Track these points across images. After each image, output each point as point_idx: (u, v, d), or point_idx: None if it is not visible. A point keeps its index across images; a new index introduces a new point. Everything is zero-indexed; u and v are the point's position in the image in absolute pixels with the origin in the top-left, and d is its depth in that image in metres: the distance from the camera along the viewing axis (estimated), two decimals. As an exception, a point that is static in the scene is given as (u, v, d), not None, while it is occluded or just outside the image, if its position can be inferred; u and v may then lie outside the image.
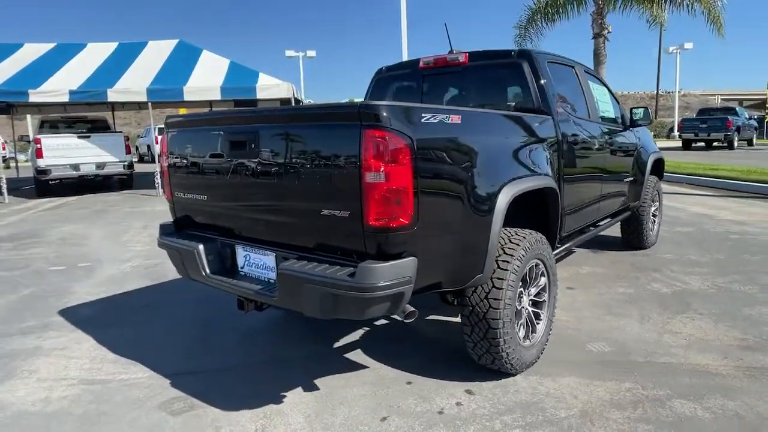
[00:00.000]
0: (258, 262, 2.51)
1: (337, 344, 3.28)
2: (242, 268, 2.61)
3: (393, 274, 1.97)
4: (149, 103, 11.16)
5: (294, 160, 2.19)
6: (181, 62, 12.12)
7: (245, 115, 2.61)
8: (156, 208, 9.59)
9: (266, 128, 2.32)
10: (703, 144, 22.17)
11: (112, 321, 3.84)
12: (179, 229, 2.94)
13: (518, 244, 2.56)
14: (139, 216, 8.81)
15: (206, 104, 13.62)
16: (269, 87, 11.28)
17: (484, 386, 2.66)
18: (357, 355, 3.10)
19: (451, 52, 3.73)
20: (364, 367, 2.94)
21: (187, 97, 11.09)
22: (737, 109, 23.28)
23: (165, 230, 2.93)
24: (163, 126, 3.14)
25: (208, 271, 2.61)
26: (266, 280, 2.49)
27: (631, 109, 4.65)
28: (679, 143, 23.29)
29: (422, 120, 2.08)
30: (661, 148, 6.52)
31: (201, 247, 2.62)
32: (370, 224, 1.98)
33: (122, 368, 3.01)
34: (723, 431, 2.22)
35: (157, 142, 27.83)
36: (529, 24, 16.36)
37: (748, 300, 3.79)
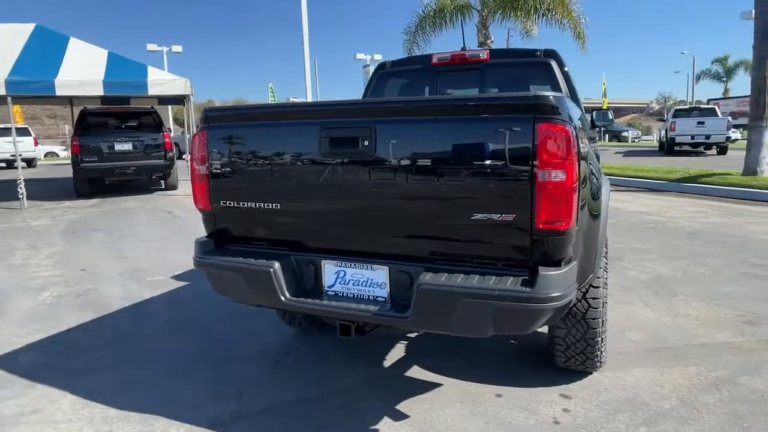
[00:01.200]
0: (359, 279, 2.14)
1: (386, 363, 2.97)
2: (331, 287, 2.21)
3: (566, 281, 1.81)
4: (8, 98, 9.25)
5: (434, 160, 1.90)
6: (45, 51, 10.25)
7: (357, 108, 2.17)
8: (32, 224, 7.98)
9: (388, 122, 1.97)
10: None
11: (77, 366, 3.03)
12: (220, 246, 2.42)
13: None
14: (14, 234, 7.24)
15: (88, 100, 11.75)
16: (163, 83, 10.09)
17: (573, 388, 2.60)
18: (418, 372, 2.84)
19: (463, 49, 3.63)
20: (436, 384, 2.70)
21: (59, 92, 9.45)
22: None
23: (205, 248, 2.38)
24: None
25: (287, 294, 2.17)
26: (371, 298, 2.13)
27: (592, 111, 4.99)
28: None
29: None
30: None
31: (277, 265, 2.16)
32: (540, 228, 1.79)
33: (144, 426, 2.38)
34: (801, 401, 2.44)
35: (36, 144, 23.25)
36: (418, 30, 16.96)
37: (713, 281, 4.29)
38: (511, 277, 1.84)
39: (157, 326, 3.64)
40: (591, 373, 2.72)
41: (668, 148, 19.18)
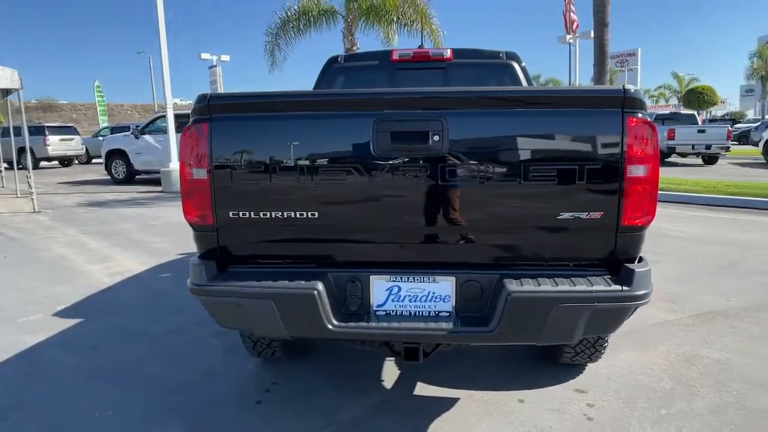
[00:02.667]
0: (417, 294, 1.87)
1: (386, 385, 2.70)
2: (381, 305, 1.89)
3: (650, 277, 1.79)
4: None
5: (515, 157, 1.74)
6: None
7: (425, 98, 1.84)
8: None
9: (462, 115, 1.75)
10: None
11: None
12: (222, 268, 1.94)
13: None
14: None
15: None
16: (-16, 73, 8.18)
17: (582, 382, 2.65)
18: (426, 389, 2.63)
19: (420, 47, 3.52)
20: (453, 399, 2.53)
21: None
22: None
23: (209, 272, 1.88)
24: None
25: (334, 320, 1.80)
26: (432, 314, 1.88)
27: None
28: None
29: None
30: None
31: (321, 286, 1.79)
32: (625, 224, 1.75)
33: None
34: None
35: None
36: (280, 31, 16.43)
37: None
38: (599, 277, 1.77)
39: (75, 380, 2.83)
40: (585, 365, 2.80)
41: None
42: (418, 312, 1.88)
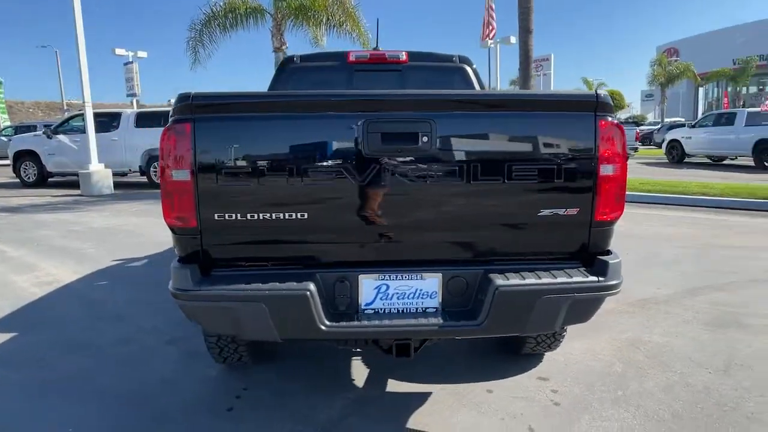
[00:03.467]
0: (405, 291, 1.90)
1: (358, 384, 2.71)
2: (369, 304, 1.90)
3: (620, 269, 1.94)
4: None
5: (498, 156, 1.82)
6: None
7: (415, 100, 1.86)
8: None
9: (450, 116, 1.80)
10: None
11: None
12: (205, 272, 1.86)
13: None
14: None
15: None
16: None
17: (543, 370, 2.80)
18: (399, 386, 2.67)
19: (376, 49, 3.56)
20: (426, 393, 2.58)
21: None
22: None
23: (194, 277, 1.79)
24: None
25: (326, 320, 1.79)
26: (420, 310, 1.92)
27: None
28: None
29: None
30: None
31: (313, 287, 1.77)
32: (598, 219, 1.89)
33: None
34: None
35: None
36: (205, 28, 15.80)
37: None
38: (575, 269, 1.90)
39: (25, 396, 2.59)
40: (543, 354, 2.97)
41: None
42: (406, 309, 1.92)
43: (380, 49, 3.57)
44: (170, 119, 1.81)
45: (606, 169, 1.86)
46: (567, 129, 1.85)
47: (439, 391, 2.61)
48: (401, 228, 1.90)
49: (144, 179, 12.55)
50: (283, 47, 16.05)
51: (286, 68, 3.42)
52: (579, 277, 1.85)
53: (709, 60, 44.43)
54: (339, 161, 1.80)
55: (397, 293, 1.91)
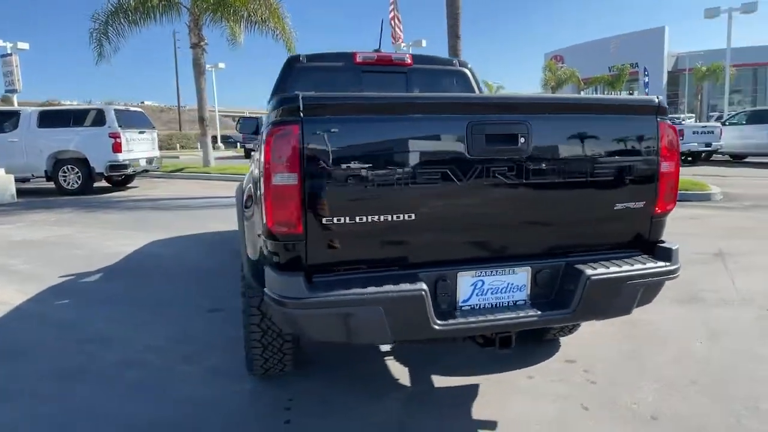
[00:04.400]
0: (497, 286, 1.97)
1: (402, 382, 2.74)
2: (466, 300, 1.95)
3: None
4: None
5: (583, 156, 1.95)
6: None
7: (513, 103, 1.92)
8: None
9: (543, 119, 1.89)
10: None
11: None
12: (309, 279, 1.80)
13: None
14: None
15: None
16: None
17: (567, 354, 3.01)
18: (443, 381, 2.74)
19: (377, 50, 3.58)
20: (474, 384, 2.68)
21: None
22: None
23: (306, 284, 1.72)
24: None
25: (436, 319, 1.82)
26: (511, 304, 2.00)
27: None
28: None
29: None
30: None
31: (425, 286, 1.79)
32: (657, 212, 2.11)
33: None
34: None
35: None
36: (111, 19, 14.56)
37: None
38: (641, 257, 2.10)
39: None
40: (559, 340, 3.19)
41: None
42: (499, 303, 2.00)
43: (381, 51, 3.60)
44: (273, 121, 1.73)
45: (665, 166, 2.08)
46: (635, 130, 2.04)
47: (483, 381, 2.72)
48: (497, 225, 1.98)
49: (51, 185, 11.31)
50: (202, 43, 15.28)
51: (293, 67, 3.33)
52: (652, 264, 2.05)
53: (588, 66, 49.21)
54: (444, 162, 1.83)
55: (492, 288, 1.98)
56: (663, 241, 2.19)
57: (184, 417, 2.43)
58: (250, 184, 2.29)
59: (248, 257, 2.29)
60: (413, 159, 1.82)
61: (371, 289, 1.74)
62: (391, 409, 2.47)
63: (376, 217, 1.79)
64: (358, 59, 3.41)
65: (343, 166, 1.75)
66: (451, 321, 1.86)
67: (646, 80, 35.73)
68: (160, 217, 8.11)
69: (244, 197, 2.33)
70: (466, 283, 1.96)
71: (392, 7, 25.28)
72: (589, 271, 1.94)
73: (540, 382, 2.69)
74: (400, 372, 2.85)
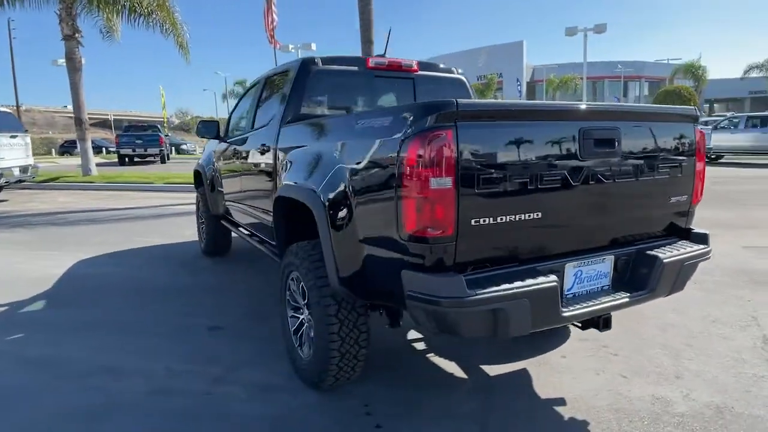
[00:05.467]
0: (591, 274, 2.20)
1: (457, 374, 2.87)
2: (570, 289, 2.15)
3: None
4: None
5: (651, 156, 2.28)
6: None
7: (612, 111, 2.15)
8: None
9: (627, 125, 2.16)
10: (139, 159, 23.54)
11: None
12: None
13: None
14: None
15: None
16: None
17: (580, 334, 3.38)
18: (494, 369, 2.93)
19: (383, 56, 3.65)
20: (523, 368, 2.91)
21: None
22: (159, 127, 26.06)
23: (464, 284, 1.78)
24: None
25: (562, 307, 2.01)
26: (600, 289, 2.24)
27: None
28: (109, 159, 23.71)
29: None
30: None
31: (555, 278, 1.96)
32: (693, 203, 2.53)
33: None
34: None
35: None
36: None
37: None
38: (683, 241, 2.49)
39: None
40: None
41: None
42: (591, 289, 2.24)
43: (385, 56, 3.65)
44: (427, 126, 1.77)
45: (699, 165, 2.49)
46: (683, 134, 2.43)
47: (527, 365, 2.96)
48: (596, 219, 2.23)
49: None
50: (77, 35, 13.62)
51: (310, 70, 3.25)
52: (697, 247, 2.45)
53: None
54: (564, 164, 2.03)
55: (587, 276, 2.22)
56: (692, 229, 2.61)
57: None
58: (331, 194, 2.27)
59: (337, 267, 2.27)
60: (542, 161, 2.00)
61: (517, 283, 1.87)
62: (471, 400, 2.60)
63: (512, 216, 1.93)
64: (371, 64, 3.45)
65: (488, 169, 1.86)
66: (572, 308, 2.06)
67: (520, 88, 39.66)
68: (68, 234, 7.15)
69: (327, 207, 2.29)
70: (570, 273, 2.17)
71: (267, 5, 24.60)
72: (661, 256, 2.28)
73: (574, 360, 3.00)
74: (448, 366, 2.98)
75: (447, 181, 1.78)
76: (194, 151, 40.30)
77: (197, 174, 5.79)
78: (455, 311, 1.82)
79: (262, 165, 3.46)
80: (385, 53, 3.69)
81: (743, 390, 2.61)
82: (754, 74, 39.73)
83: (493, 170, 1.87)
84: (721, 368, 2.85)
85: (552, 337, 3.29)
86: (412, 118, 1.86)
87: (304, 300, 2.69)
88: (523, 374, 2.86)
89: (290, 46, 30.33)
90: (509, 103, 2.06)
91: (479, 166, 1.84)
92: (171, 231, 7.08)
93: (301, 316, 2.78)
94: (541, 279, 1.93)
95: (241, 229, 4.53)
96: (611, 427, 2.33)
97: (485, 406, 2.54)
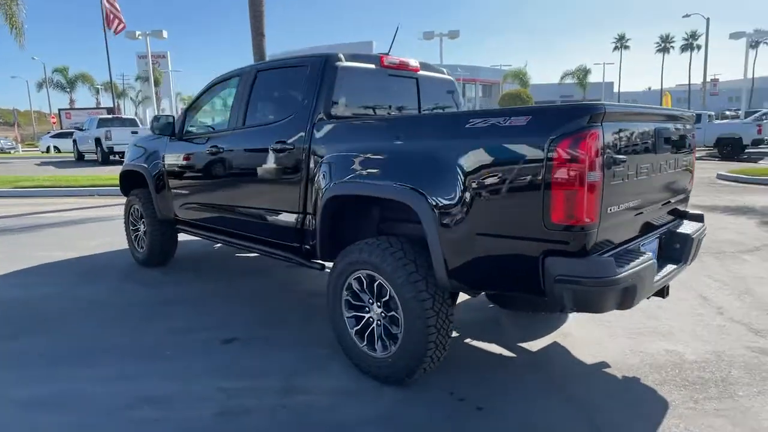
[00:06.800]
0: (651, 251, 2.61)
1: (505, 354, 3.12)
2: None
3: None
4: None
5: (684, 150, 2.81)
6: None
7: (671, 113, 2.62)
8: None
9: (674, 125, 2.64)
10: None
11: None
12: None
13: None
14: None
15: None
16: None
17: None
18: (534, 344, 3.24)
19: (386, 54, 3.71)
20: (553, 342, 3.27)
21: None
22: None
23: (614, 264, 2.08)
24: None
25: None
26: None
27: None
28: None
29: None
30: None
31: (652, 255, 2.34)
32: (690, 188, 3.13)
33: None
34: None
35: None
36: None
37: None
38: (686, 220, 3.09)
39: None
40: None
41: (104, 157, 19.20)
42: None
43: (389, 54, 3.68)
44: (581, 125, 1.98)
45: (693, 156, 3.09)
46: (692, 131, 2.98)
47: (555, 337, 3.33)
48: (657, 203, 2.67)
49: None
50: None
51: (337, 67, 3.17)
52: (699, 224, 3.02)
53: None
54: (649, 157, 2.44)
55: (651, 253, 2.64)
56: (688, 210, 3.21)
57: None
58: (439, 193, 2.35)
59: (446, 261, 2.36)
60: (642, 155, 2.38)
61: (639, 261, 2.19)
62: (535, 373, 2.87)
63: (627, 203, 2.27)
64: (385, 62, 3.48)
65: (619, 162, 2.14)
66: (656, 277, 2.44)
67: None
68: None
69: (435, 205, 2.35)
70: (644, 250, 2.56)
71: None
72: (690, 233, 2.79)
73: (586, 332, 3.45)
74: (490, 348, 3.22)
75: (597, 175, 2.02)
76: (14, 149, 34.19)
77: (130, 175, 5.13)
78: (607, 289, 2.07)
79: (280, 163, 3.29)
80: (389, 52, 3.74)
81: (718, 337, 3.30)
82: (568, 80, 46.90)
83: (621, 164, 2.16)
84: (693, 323, 3.53)
85: (551, 319, 3.72)
86: (565, 118, 2.05)
87: (373, 298, 2.69)
88: (559, 348, 3.22)
89: (137, 33, 27.61)
90: (633, 105, 2.39)
91: (614, 161, 2.11)
92: (70, 243, 6.14)
93: (367, 315, 2.77)
94: (645, 256, 2.28)
95: (211, 233, 4.20)
96: (659, 377, 2.79)
97: (554, 378, 2.83)
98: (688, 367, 2.90)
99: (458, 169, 2.31)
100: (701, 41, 62.69)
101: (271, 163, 3.37)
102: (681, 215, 3.12)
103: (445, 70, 4.08)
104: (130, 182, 5.20)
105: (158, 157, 4.64)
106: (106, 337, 3.40)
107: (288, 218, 3.32)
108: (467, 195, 2.28)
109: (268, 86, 3.67)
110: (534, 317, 3.64)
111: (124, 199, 5.32)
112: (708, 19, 34.28)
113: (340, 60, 3.23)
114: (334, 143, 2.98)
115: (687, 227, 2.91)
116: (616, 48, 71.82)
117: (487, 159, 2.24)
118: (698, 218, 3.13)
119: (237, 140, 3.71)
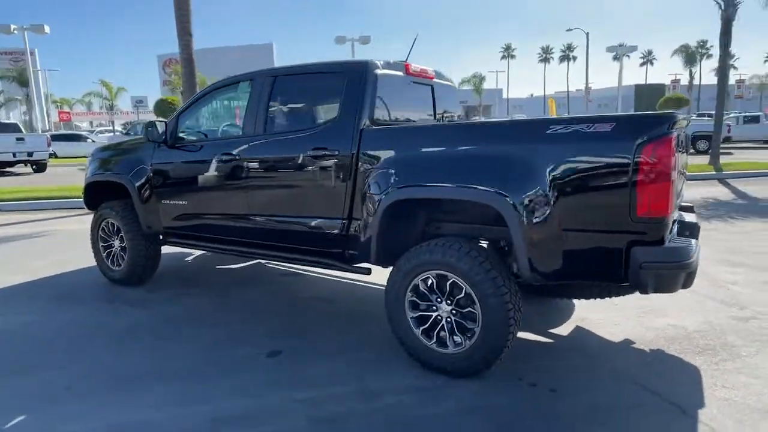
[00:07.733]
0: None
1: (548, 339, 3.39)
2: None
3: None
4: None
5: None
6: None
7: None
8: None
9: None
10: None
11: None
12: None
13: None
14: None
15: None
16: None
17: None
18: (564, 329, 3.54)
19: (404, 62, 3.83)
20: (580, 327, 3.61)
21: None
22: None
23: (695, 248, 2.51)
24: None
25: None
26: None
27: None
28: None
29: None
30: None
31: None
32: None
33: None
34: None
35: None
36: None
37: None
38: (686, 212, 3.58)
39: None
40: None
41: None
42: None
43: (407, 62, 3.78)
44: (664, 131, 2.27)
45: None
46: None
47: (575, 321, 3.68)
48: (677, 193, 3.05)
49: None
50: None
51: (374, 74, 3.22)
52: (695, 214, 3.52)
53: (211, 71, 50.92)
54: (683, 156, 2.80)
55: (675, 239, 3.04)
56: None
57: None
58: (523, 193, 2.54)
59: (530, 257, 2.56)
60: (682, 155, 2.73)
61: (695, 246, 2.55)
62: (581, 358, 3.14)
63: (675, 198, 2.61)
64: (410, 70, 3.60)
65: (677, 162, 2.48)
66: None
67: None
68: None
69: (519, 205, 2.54)
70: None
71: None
72: (695, 221, 3.25)
73: (602, 315, 3.83)
74: (523, 335, 3.46)
75: (674, 174, 2.34)
76: None
77: (99, 187, 4.69)
78: (684, 272, 2.39)
79: (319, 170, 3.27)
80: (407, 58, 3.86)
81: (705, 310, 3.85)
82: (465, 86, 49.78)
83: (677, 163, 2.51)
84: (684, 300, 4.05)
85: (563, 307, 4.08)
86: (650, 125, 2.33)
87: (442, 297, 2.81)
88: (584, 331, 3.56)
89: (12, 27, 24.89)
90: (678, 113, 2.73)
91: (673, 162, 2.45)
92: (15, 265, 5.44)
93: (434, 314, 2.88)
94: (694, 242, 2.66)
95: (221, 244, 4.02)
96: (679, 347, 3.21)
97: (594, 357, 3.15)
98: (694, 337, 3.38)
99: (542, 172, 2.52)
100: (576, 53, 69.85)
101: (307, 170, 3.34)
102: (680, 207, 3.62)
103: (451, 78, 4.29)
104: (98, 195, 4.75)
105: (143, 166, 4.31)
106: (129, 363, 3.14)
107: (329, 224, 3.31)
108: (553, 194, 2.50)
109: (292, 93, 3.62)
110: (549, 305, 3.97)
111: (34, 215, 4.79)
112: (588, 33, 38.34)
113: (378, 67, 3.30)
114: (393, 149, 3.03)
115: (689, 216, 3.38)
116: (503, 57, 77.40)
117: (573, 162, 2.47)
118: (690, 209, 3.64)
119: (259, 148, 3.60)
